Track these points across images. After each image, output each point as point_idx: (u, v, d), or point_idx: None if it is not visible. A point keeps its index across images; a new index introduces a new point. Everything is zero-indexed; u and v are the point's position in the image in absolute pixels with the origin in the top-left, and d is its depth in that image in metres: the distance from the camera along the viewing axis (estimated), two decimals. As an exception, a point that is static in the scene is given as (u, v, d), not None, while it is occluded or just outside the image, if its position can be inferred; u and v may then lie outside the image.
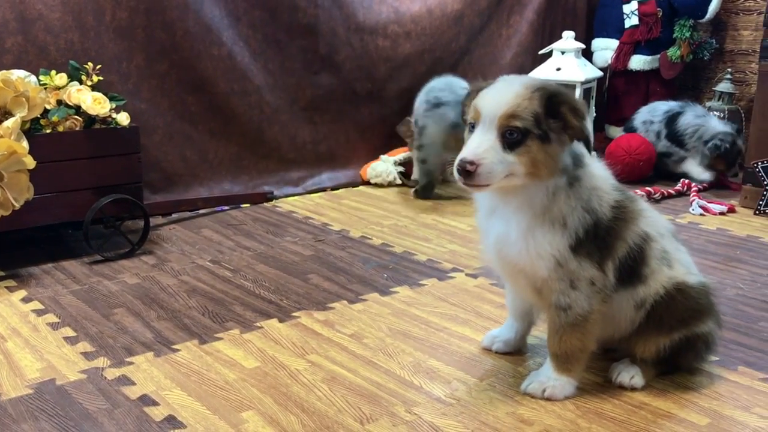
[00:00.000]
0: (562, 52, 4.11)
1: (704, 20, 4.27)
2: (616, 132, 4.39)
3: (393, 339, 2.12)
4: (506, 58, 4.34)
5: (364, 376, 1.90)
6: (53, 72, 2.70)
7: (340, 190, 3.81)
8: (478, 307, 2.35)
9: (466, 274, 2.62)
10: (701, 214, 3.38)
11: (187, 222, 3.22)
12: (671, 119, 3.92)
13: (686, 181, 3.78)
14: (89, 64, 2.77)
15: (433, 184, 3.63)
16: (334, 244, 2.94)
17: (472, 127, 1.68)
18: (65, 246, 2.88)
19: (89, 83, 2.73)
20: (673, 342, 1.83)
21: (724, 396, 1.83)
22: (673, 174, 3.95)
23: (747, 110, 4.13)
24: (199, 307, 2.32)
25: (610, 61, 4.42)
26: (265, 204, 3.53)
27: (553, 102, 1.65)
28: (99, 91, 2.72)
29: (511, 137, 1.62)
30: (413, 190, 3.66)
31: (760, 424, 1.70)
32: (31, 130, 2.56)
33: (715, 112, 4.15)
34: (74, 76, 2.74)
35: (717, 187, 3.84)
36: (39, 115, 2.57)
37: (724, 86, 4.27)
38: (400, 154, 3.87)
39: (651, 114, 4.01)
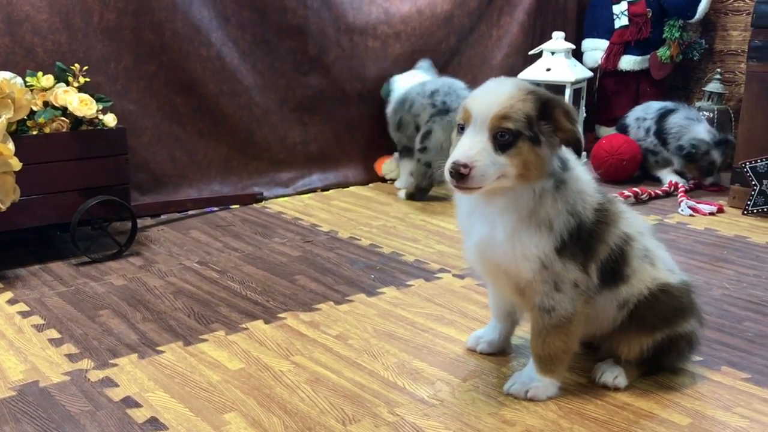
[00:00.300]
0: (552, 53, 4.12)
1: (693, 20, 4.29)
2: (606, 132, 4.40)
3: (378, 340, 2.12)
4: (496, 58, 4.34)
5: (347, 377, 1.90)
6: (40, 73, 2.69)
7: (330, 191, 3.81)
8: (464, 307, 2.35)
9: (453, 275, 2.62)
10: (690, 215, 3.39)
11: (176, 223, 3.22)
12: (662, 116, 3.91)
13: (673, 181, 3.78)
14: (76, 65, 2.77)
15: (428, 188, 3.63)
16: (322, 245, 2.94)
17: (462, 128, 1.67)
18: (53, 247, 2.87)
19: (76, 84, 2.72)
20: (656, 341, 1.84)
21: (706, 396, 1.83)
22: (651, 176, 3.95)
23: (736, 110, 4.14)
24: (185, 309, 2.32)
25: (600, 62, 4.43)
26: (255, 205, 3.53)
27: (547, 105, 1.65)
28: (86, 92, 2.72)
29: (503, 139, 1.62)
30: (404, 191, 3.66)
31: (741, 423, 1.71)
32: (17, 131, 2.56)
33: (704, 113, 4.16)
34: (61, 78, 2.74)
35: (698, 189, 3.84)
36: (25, 117, 2.57)
37: (713, 86, 4.28)
38: None
39: (645, 111, 4.01)
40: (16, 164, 2.42)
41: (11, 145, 2.44)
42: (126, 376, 1.90)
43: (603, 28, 4.44)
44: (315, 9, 3.67)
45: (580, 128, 1.69)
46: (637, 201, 3.58)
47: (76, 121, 2.69)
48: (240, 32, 3.52)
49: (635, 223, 1.87)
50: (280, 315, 2.28)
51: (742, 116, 3.48)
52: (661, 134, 3.87)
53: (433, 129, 3.48)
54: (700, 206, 3.44)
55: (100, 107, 2.72)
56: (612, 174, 3.86)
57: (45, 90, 2.69)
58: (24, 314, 2.27)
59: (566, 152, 1.74)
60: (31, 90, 2.65)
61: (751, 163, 3.37)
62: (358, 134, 3.97)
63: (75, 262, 2.71)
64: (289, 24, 3.63)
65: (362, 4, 3.83)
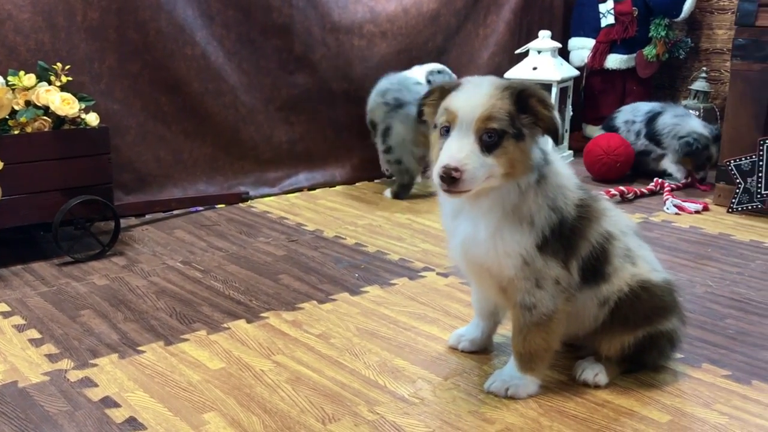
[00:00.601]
0: (539, 52, 4.12)
1: (679, 19, 4.30)
2: (593, 131, 4.41)
3: (360, 339, 2.11)
4: (483, 57, 4.34)
5: (329, 376, 1.90)
6: (21, 72, 2.67)
7: (317, 190, 3.80)
8: (447, 306, 2.35)
9: (437, 273, 2.62)
10: (676, 213, 3.40)
11: (160, 223, 3.21)
12: (651, 119, 3.94)
13: (659, 180, 3.79)
14: (58, 64, 2.75)
15: (411, 183, 3.63)
16: (307, 244, 2.94)
17: (446, 130, 1.65)
18: (36, 247, 2.86)
19: (58, 84, 2.71)
20: (637, 339, 1.84)
21: (686, 393, 1.84)
22: (652, 172, 3.96)
23: (722, 108, 4.15)
24: (167, 309, 2.31)
25: (586, 60, 4.44)
26: (240, 204, 3.52)
27: (522, 97, 1.65)
28: (68, 91, 2.70)
29: (489, 140, 1.62)
30: (389, 190, 3.66)
31: (720, 420, 1.71)
32: (-2, 131, 2.55)
33: (691, 111, 4.17)
34: (43, 77, 2.72)
35: (687, 187, 3.85)
36: (7, 116, 2.56)
37: (699, 85, 4.30)
38: None
39: (633, 114, 4.03)
40: (-3, 164, 2.41)
41: (-8, 145, 2.42)
42: (106, 376, 1.89)
43: (589, 26, 4.44)
44: (300, 8, 3.66)
45: (556, 113, 1.68)
46: (623, 200, 3.59)
47: (59, 121, 2.68)
48: (225, 31, 3.51)
49: (618, 221, 1.87)
50: (262, 314, 2.27)
51: (726, 114, 3.49)
52: (653, 136, 3.90)
53: (392, 125, 3.52)
54: (686, 204, 3.45)
55: (83, 106, 2.71)
56: (604, 173, 3.87)
57: (27, 89, 2.67)
58: (5, 314, 2.26)
59: (544, 145, 1.74)
60: (13, 89, 2.63)
61: (735, 161, 3.38)
62: (344, 133, 3.96)
63: (58, 262, 2.70)
64: (274, 23, 3.62)
65: (348, 3, 3.82)
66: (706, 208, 3.46)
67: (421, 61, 4.01)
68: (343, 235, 3.06)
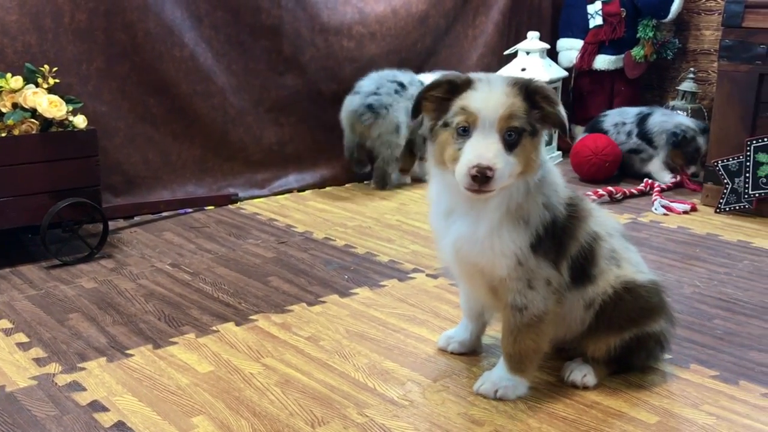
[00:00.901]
0: (527, 53, 4.13)
1: (667, 20, 4.31)
2: (581, 132, 4.41)
3: (350, 341, 2.11)
4: (472, 58, 4.35)
5: (318, 378, 1.90)
6: (9, 75, 2.66)
7: (306, 192, 3.80)
8: (437, 307, 2.35)
9: (427, 275, 2.62)
10: (664, 214, 3.41)
11: (149, 225, 3.19)
12: (643, 119, 3.99)
13: (649, 181, 3.81)
14: (45, 66, 2.74)
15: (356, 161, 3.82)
16: (296, 246, 2.93)
17: (464, 130, 1.63)
18: (24, 250, 2.84)
19: (45, 86, 2.70)
20: (624, 341, 1.85)
21: (675, 394, 1.84)
22: (637, 173, 3.99)
23: (710, 109, 4.17)
24: (156, 312, 2.30)
25: (575, 61, 4.45)
26: (230, 206, 3.51)
27: (530, 92, 1.64)
28: (56, 93, 2.69)
29: (510, 138, 1.62)
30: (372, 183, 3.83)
31: (708, 421, 1.72)
32: (-15, 133, 2.53)
33: (679, 111, 4.20)
34: (30, 79, 2.71)
35: (678, 187, 3.87)
36: (-6, 119, 2.55)
37: (687, 85, 4.32)
38: None
39: (622, 116, 4.07)
40: (-16, 167, 2.40)
41: (-21, 148, 2.41)
42: (94, 380, 1.88)
43: (578, 27, 4.45)
44: (289, 9, 3.66)
45: (560, 108, 1.68)
46: (612, 200, 3.60)
47: (46, 123, 2.66)
48: (214, 32, 3.50)
49: (605, 222, 1.87)
50: (251, 317, 2.27)
51: (714, 115, 3.51)
52: (645, 135, 3.95)
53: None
54: (674, 205, 3.46)
55: (70, 109, 2.70)
56: (593, 173, 3.89)
57: (14, 91, 2.66)
58: (-8, 318, 2.25)
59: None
60: (0, 92, 2.62)
61: (723, 161, 3.39)
62: (334, 134, 3.95)
63: (46, 265, 2.68)
64: (263, 24, 3.61)
65: (337, 4, 3.82)
66: (694, 209, 3.47)
67: (411, 62, 4.02)
68: (332, 236, 3.06)
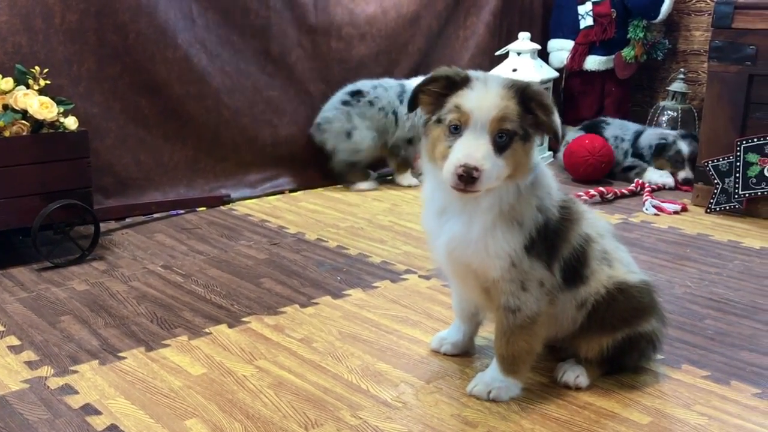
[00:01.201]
0: (519, 53, 4.14)
1: (657, 21, 4.33)
2: (572, 132, 4.43)
3: (343, 342, 2.11)
4: (464, 59, 4.35)
5: (311, 380, 1.90)
6: (-1, 76, 2.66)
7: (299, 193, 3.79)
8: (430, 308, 2.36)
9: (419, 276, 2.63)
10: (655, 214, 3.42)
11: (141, 226, 3.19)
12: (636, 137, 4.04)
13: (640, 181, 3.83)
14: (36, 67, 2.73)
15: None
16: (289, 248, 2.93)
17: (455, 128, 1.63)
18: (15, 252, 2.83)
19: (36, 87, 2.69)
20: (617, 341, 1.85)
21: (667, 394, 1.85)
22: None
23: (700, 109, 4.19)
24: (148, 314, 2.30)
25: (565, 62, 4.46)
26: (222, 207, 3.51)
27: (525, 98, 1.64)
28: (47, 95, 2.68)
29: (501, 141, 1.62)
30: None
31: (700, 421, 1.73)
32: (-25, 135, 2.52)
33: (669, 112, 4.22)
34: (21, 81, 2.70)
35: (672, 190, 3.89)
36: (-16, 121, 2.53)
37: (677, 86, 4.34)
38: None
39: (623, 130, 4.10)
40: (-25, 169, 2.39)
41: (-31, 150, 2.40)
42: (86, 383, 1.87)
43: (568, 28, 4.47)
44: (277, 10, 3.65)
45: (555, 116, 1.68)
46: (603, 200, 3.61)
47: (37, 125, 2.65)
48: (206, 33, 3.49)
49: (596, 224, 1.88)
50: (244, 319, 2.27)
51: (704, 115, 3.52)
52: (637, 152, 4.01)
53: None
54: (665, 205, 3.48)
55: (61, 110, 2.69)
56: (589, 173, 3.90)
57: (5, 93, 2.65)
58: (-17, 321, 2.24)
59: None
60: (-10, 93, 2.61)
61: (713, 161, 3.41)
62: (325, 135, 3.96)
63: (37, 267, 2.67)
64: (252, 25, 3.61)
65: (327, 5, 3.81)
66: (684, 209, 3.49)
67: (401, 64, 4.02)
68: (325, 237, 3.06)
